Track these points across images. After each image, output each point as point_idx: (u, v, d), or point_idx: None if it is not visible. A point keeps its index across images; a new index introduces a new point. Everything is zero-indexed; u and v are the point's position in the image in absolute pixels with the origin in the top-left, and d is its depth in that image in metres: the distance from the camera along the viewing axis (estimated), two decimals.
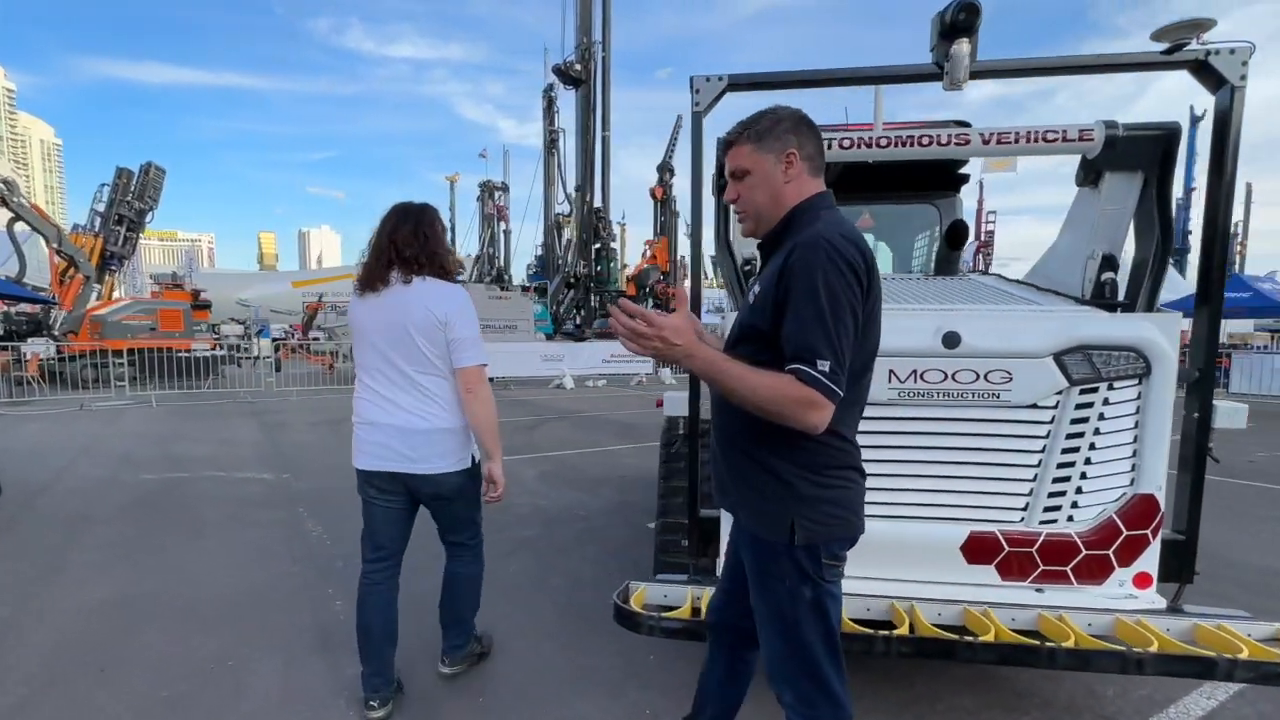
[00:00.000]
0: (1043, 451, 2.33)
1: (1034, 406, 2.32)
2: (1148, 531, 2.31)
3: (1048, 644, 2.04)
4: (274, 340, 21.40)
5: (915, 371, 2.34)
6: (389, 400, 2.36)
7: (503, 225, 42.35)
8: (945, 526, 2.40)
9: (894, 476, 2.41)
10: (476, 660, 2.85)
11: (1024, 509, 2.37)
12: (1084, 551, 2.33)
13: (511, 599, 3.59)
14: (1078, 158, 2.65)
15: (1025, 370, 2.29)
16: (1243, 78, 2.22)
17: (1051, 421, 2.32)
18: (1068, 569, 2.36)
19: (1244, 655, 1.96)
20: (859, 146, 2.62)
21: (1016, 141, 2.54)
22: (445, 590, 2.68)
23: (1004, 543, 2.36)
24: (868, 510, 2.33)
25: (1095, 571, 2.36)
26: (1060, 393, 2.29)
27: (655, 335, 1.43)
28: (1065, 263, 2.81)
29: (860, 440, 2.37)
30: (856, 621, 2.21)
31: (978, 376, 2.31)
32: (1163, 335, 2.26)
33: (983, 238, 34.17)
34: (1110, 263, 2.60)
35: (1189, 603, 2.38)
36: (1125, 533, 2.31)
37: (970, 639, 2.07)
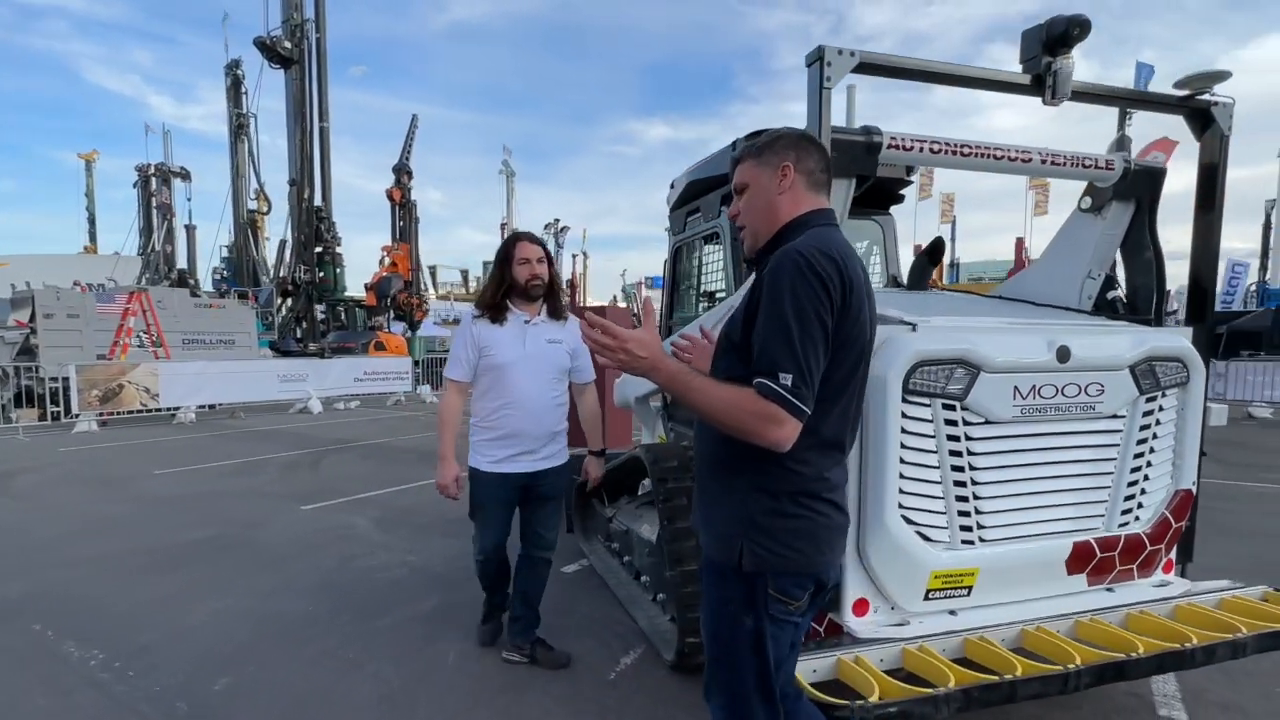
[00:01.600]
0: (1119, 458, 2.46)
1: (1114, 416, 2.44)
2: (1185, 522, 2.59)
3: (1188, 646, 2.12)
4: None
5: (1034, 388, 2.29)
6: None
7: (175, 219, 34.90)
8: (1056, 541, 2.39)
9: (1018, 496, 2.33)
10: None
11: (1104, 514, 2.47)
12: (1148, 547, 2.52)
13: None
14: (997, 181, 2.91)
15: (1112, 382, 2.39)
16: (1229, 128, 2.63)
17: (1124, 430, 2.46)
18: (1134, 566, 2.53)
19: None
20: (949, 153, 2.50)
21: (1054, 164, 2.67)
22: None
23: (1097, 550, 2.43)
24: (995, 534, 2.21)
25: (1149, 564, 2.57)
26: (1133, 401, 2.44)
27: (619, 347, 1.37)
28: (1054, 280, 3.06)
29: (990, 461, 2.27)
30: (1029, 657, 2.05)
31: (1080, 390, 2.35)
32: (1194, 347, 2.55)
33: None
34: (1111, 282, 2.89)
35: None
36: (1174, 525, 2.55)
37: (1134, 655, 2.06)
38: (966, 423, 2.24)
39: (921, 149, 2.46)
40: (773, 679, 1.50)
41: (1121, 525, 2.49)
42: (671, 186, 4.34)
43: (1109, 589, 2.53)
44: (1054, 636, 2.19)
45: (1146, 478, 2.51)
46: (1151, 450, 2.51)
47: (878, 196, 3.95)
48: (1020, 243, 28.59)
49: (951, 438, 2.22)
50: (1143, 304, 2.81)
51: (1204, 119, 2.65)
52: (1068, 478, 2.40)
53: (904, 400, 2.15)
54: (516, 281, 2.88)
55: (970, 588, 2.30)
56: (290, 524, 5.27)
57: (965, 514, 2.26)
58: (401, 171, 26.56)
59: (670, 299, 4.53)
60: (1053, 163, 2.69)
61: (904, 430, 2.16)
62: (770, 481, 1.44)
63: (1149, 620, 2.33)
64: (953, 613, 2.30)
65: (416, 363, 17.21)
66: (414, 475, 7.13)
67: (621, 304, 47.01)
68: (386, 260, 25.24)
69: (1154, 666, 2.11)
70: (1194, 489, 2.60)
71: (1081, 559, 2.43)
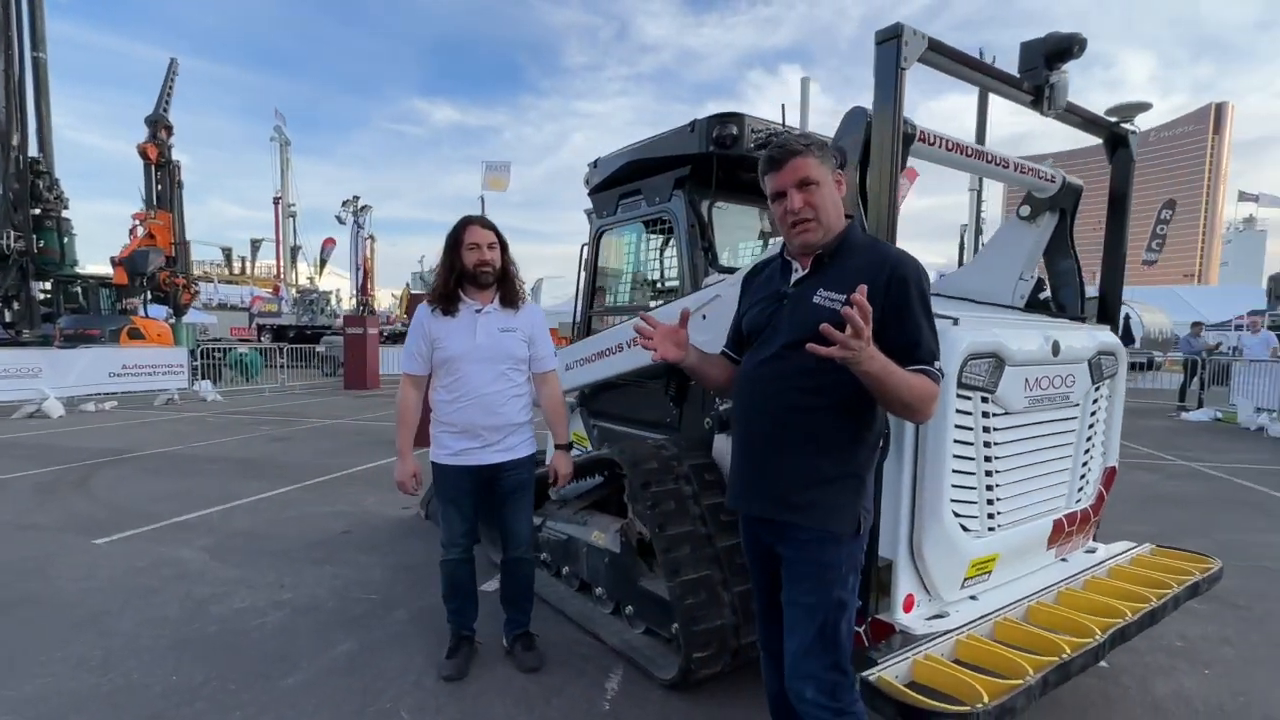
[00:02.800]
0: (1077, 442, 2.74)
1: (1076, 404, 2.70)
2: (1108, 494, 2.97)
3: (1154, 604, 2.42)
4: None
5: (1037, 380, 2.45)
6: None
7: None
8: (1043, 520, 2.59)
9: (1023, 481, 2.48)
10: None
11: (1067, 492, 2.74)
12: (1092, 519, 2.84)
13: None
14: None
15: (1079, 373, 2.65)
16: (1135, 154, 3.05)
17: (1079, 415, 2.74)
18: (1081, 536, 2.84)
19: (1197, 576, 2.72)
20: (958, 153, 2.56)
21: (1024, 172, 2.90)
22: None
23: (1065, 524, 2.68)
24: (1008, 519, 2.47)
25: (1088, 533, 2.90)
26: (1087, 390, 2.73)
27: (863, 345, 1.45)
28: (990, 280, 3.33)
29: (1005, 451, 2.40)
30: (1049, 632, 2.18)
31: (1062, 381, 2.57)
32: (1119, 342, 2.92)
33: None
34: (1041, 284, 3.21)
35: None
36: (1105, 497, 2.91)
37: (1129, 619, 2.29)
38: (993, 414, 2.32)
39: (939, 144, 2.49)
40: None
41: (1077, 501, 2.78)
42: (593, 166, 4.04)
43: (1064, 560, 2.81)
44: (1059, 609, 2.37)
45: (1092, 457, 2.83)
46: (1095, 433, 2.83)
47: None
48: None
49: (985, 429, 2.29)
50: (1068, 304, 3.16)
51: (1119, 143, 3.03)
52: (1051, 461, 2.61)
53: (956, 395, 2.17)
54: (465, 267, 2.70)
55: (990, 572, 2.41)
56: (88, 565, 4.05)
57: (990, 502, 2.35)
58: (159, 125, 22.19)
59: (591, 287, 4.22)
60: (1024, 170, 2.93)
61: (955, 425, 2.18)
62: (869, 454, 1.71)
63: (1106, 584, 2.63)
64: (974, 598, 2.39)
65: (194, 354, 14.50)
66: (239, 490, 5.92)
67: (417, 290, 44.04)
68: (141, 230, 20.93)
69: (1143, 624, 2.36)
70: (1116, 465, 2.99)
71: (1057, 534, 2.66)
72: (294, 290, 44.88)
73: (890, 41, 2.01)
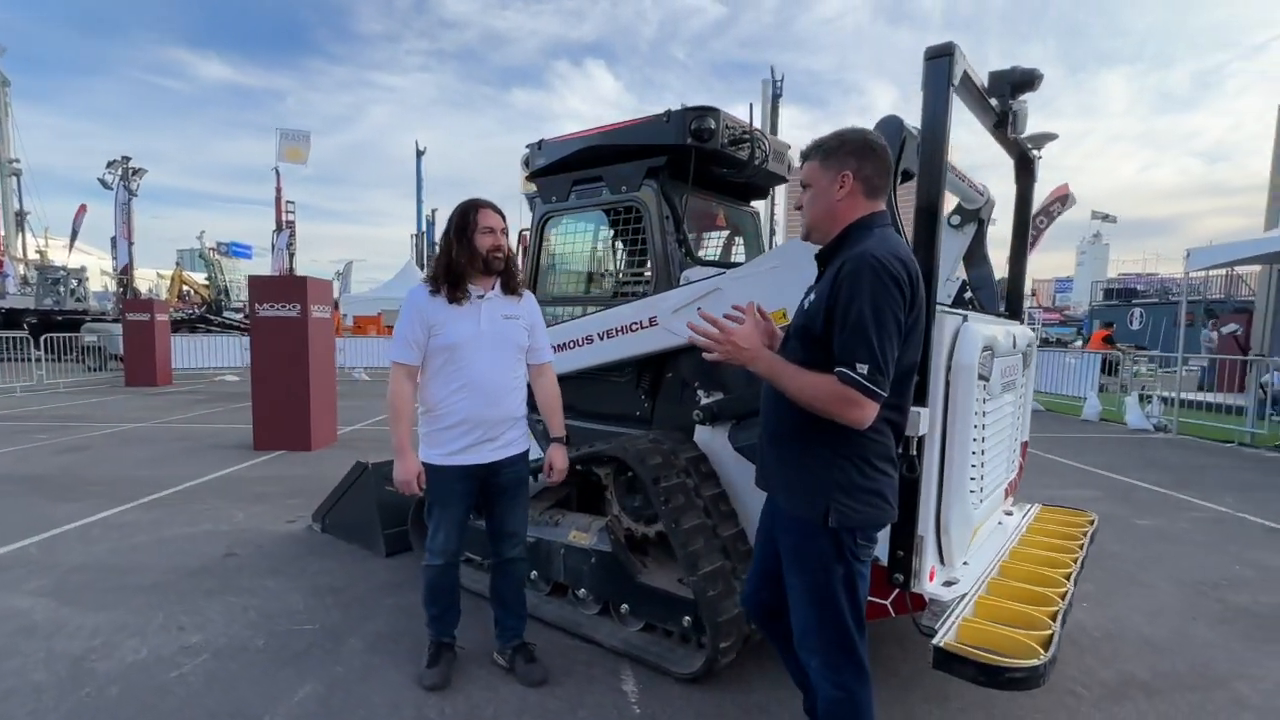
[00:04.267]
0: (1017, 418, 3.19)
1: (1020, 388, 3.15)
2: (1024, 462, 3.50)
3: (1082, 554, 2.92)
4: None
5: (1005, 367, 2.81)
6: None
7: None
8: (1001, 489, 2.99)
9: (997, 455, 2.83)
10: None
11: (1009, 462, 3.18)
12: (1017, 483, 3.34)
13: None
14: None
15: (1019, 362, 3.09)
16: (1037, 176, 3.60)
17: (1015, 397, 3.20)
18: (1008, 500, 3.32)
19: (1090, 528, 3.33)
20: None
21: (969, 184, 3.28)
22: None
23: (1008, 491, 3.12)
24: (988, 490, 2.80)
25: (1010, 497, 3.40)
26: (1019, 375, 3.19)
27: (726, 340, 1.73)
28: None
29: (989, 431, 2.74)
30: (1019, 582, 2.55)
31: (1012, 368, 2.97)
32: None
33: None
34: (965, 285, 3.66)
35: None
36: (1023, 466, 3.43)
37: (1076, 564, 2.75)
38: (986, 398, 2.63)
39: None
40: (863, 614, 1.79)
41: (1010, 469, 3.24)
42: (536, 148, 3.85)
43: (999, 523, 3.27)
44: (1023, 565, 2.75)
45: (1020, 431, 3.31)
46: (1023, 411, 3.32)
47: (749, 190, 4.18)
48: None
49: (982, 412, 2.59)
50: (988, 304, 3.64)
51: (1027, 164, 3.56)
52: (1007, 436, 3.02)
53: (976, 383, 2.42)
54: (478, 253, 2.51)
55: (976, 536, 2.73)
56: None
57: (982, 476, 2.66)
58: None
59: (534, 275, 4.01)
60: (969, 183, 3.32)
61: (974, 411, 2.43)
62: (851, 449, 1.70)
63: (1037, 540, 3.10)
64: (966, 563, 2.69)
65: None
66: (51, 515, 4.76)
67: (199, 275, 38.08)
68: None
69: (1082, 567, 2.83)
70: (1027, 439, 3.53)
71: (1005, 498, 3.09)
72: (21, 266, 36.52)
73: (942, 59, 2.16)
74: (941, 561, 2.49)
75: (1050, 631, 2.16)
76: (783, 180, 4.04)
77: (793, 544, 1.81)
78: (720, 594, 2.63)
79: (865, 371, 1.56)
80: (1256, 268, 15.28)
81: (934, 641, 2.07)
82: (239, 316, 28.38)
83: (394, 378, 2.53)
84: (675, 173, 3.42)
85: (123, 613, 3.25)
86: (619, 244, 3.78)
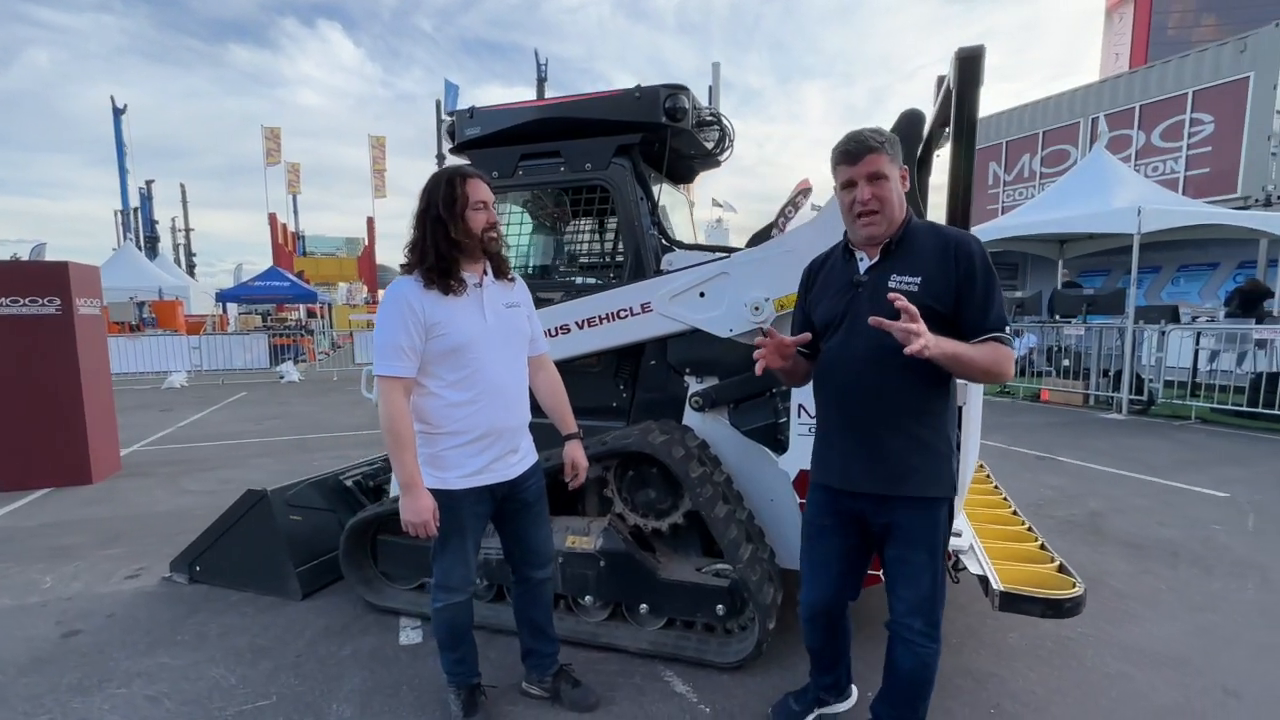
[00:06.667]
0: None
1: None
2: None
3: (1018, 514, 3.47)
4: None
5: None
6: None
7: None
8: None
9: None
10: None
11: None
12: None
13: None
14: None
15: None
16: None
17: None
18: None
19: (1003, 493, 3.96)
20: None
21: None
22: None
23: None
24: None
25: None
26: None
27: (921, 331, 1.62)
28: None
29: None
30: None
31: None
32: None
33: None
34: None
35: None
36: None
37: (1028, 525, 3.26)
38: None
39: None
40: None
41: None
42: (468, 115, 3.47)
43: None
44: (994, 525, 3.16)
45: None
46: None
47: (686, 171, 4.16)
48: None
49: None
50: None
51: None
52: None
53: None
54: (470, 233, 2.15)
55: None
56: None
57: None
58: None
59: None
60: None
61: None
62: (947, 422, 1.91)
63: (981, 499, 3.59)
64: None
65: None
66: None
67: None
68: None
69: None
70: None
71: None
72: None
73: (973, 59, 2.34)
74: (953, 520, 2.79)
75: (1059, 562, 2.55)
76: (716, 165, 4.09)
77: (915, 520, 1.88)
78: (761, 578, 2.65)
79: (1009, 333, 1.78)
80: None
81: (995, 587, 2.31)
82: None
83: (386, 397, 2.06)
84: (646, 152, 3.29)
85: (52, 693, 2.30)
86: (578, 225, 3.54)
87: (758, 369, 1.90)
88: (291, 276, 23.43)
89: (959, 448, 2.00)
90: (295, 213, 38.50)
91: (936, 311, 1.76)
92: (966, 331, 1.77)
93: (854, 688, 2.40)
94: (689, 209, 4.28)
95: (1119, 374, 8.75)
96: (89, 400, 5.83)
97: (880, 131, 1.86)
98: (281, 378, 13.97)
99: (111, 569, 3.84)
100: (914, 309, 1.62)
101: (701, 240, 4.45)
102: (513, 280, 2.36)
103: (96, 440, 5.91)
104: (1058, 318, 10.25)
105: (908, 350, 1.59)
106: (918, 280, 1.81)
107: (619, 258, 3.34)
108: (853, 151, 1.83)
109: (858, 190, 1.83)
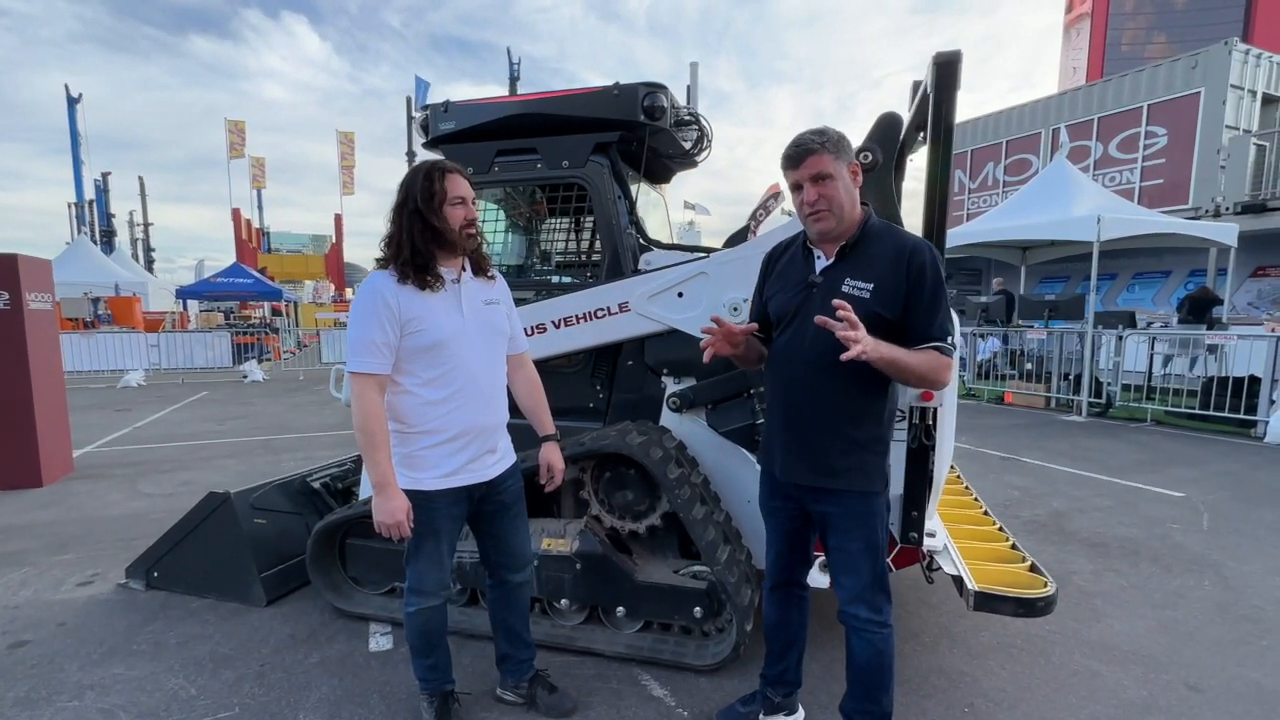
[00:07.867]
0: None
1: None
2: None
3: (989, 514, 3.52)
4: None
5: None
6: None
7: None
8: None
9: None
10: None
11: None
12: None
13: None
14: None
15: None
16: None
17: None
18: None
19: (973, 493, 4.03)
20: None
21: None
22: None
23: None
24: None
25: None
26: None
27: (861, 336, 1.66)
28: None
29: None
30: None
31: None
32: None
33: None
34: None
35: None
36: None
37: (999, 524, 3.31)
38: None
39: None
40: None
41: None
42: (442, 110, 3.41)
43: None
44: (965, 525, 3.21)
45: None
46: None
47: (663, 171, 4.14)
48: None
49: None
50: None
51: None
52: None
53: None
54: (448, 228, 2.10)
55: None
56: None
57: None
58: None
59: None
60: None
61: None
62: (886, 423, 1.96)
63: (951, 500, 3.65)
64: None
65: None
66: None
67: None
68: None
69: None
70: None
71: None
72: None
73: (951, 64, 2.37)
74: (927, 521, 2.82)
75: (1030, 562, 2.59)
76: (693, 166, 4.08)
77: (850, 512, 1.94)
78: (739, 579, 2.64)
79: (951, 341, 1.82)
80: None
81: (970, 587, 2.34)
82: None
83: (360, 394, 2.00)
84: (624, 151, 3.27)
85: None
86: (555, 224, 3.50)
87: (705, 356, 1.97)
88: (255, 273, 22.85)
89: (889, 448, 1.99)
90: (260, 208, 37.66)
91: (884, 318, 1.82)
92: (910, 337, 1.81)
93: (801, 710, 2.36)
94: (665, 210, 4.26)
95: (1079, 377, 8.99)
96: (39, 398, 5.59)
97: (821, 132, 1.88)
98: (245, 377, 13.58)
99: (62, 575, 3.67)
100: (855, 318, 1.66)
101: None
102: (493, 277, 2.31)
103: (47, 440, 5.66)
104: (1019, 322, 10.50)
105: (844, 356, 1.64)
106: (869, 287, 1.85)
107: (596, 256, 3.31)
108: (794, 155, 1.87)
109: (804, 192, 1.88)
